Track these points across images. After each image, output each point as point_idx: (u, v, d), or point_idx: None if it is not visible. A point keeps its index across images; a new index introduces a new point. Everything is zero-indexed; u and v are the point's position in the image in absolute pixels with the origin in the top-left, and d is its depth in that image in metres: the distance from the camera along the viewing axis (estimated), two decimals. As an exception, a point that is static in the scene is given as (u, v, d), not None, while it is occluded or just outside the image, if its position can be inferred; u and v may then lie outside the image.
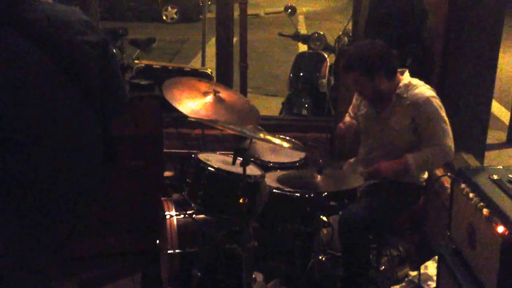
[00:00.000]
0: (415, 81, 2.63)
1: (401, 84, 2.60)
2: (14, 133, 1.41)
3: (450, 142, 2.51)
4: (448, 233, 2.08)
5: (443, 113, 2.54)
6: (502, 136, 5.41)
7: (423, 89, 2.57)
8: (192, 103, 2.68)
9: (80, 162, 1.58)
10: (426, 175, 2.74)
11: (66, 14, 1.56)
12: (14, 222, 1.45)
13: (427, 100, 2.52)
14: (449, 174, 2.63)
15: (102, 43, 1.62)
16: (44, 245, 1.55)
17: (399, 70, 2.62)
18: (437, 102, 2.54)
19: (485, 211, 1.75)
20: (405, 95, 2.57)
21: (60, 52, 1.50)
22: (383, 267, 2.79)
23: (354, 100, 2.86)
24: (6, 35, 1.42)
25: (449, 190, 2.12)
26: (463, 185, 1.94)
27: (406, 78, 2.63)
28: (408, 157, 2.52)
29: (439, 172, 2.90)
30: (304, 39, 5.09)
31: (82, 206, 1.63)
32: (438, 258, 2.15)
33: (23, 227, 1.47)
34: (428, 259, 2.65)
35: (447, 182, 2.79)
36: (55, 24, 1.50)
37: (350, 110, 2.90)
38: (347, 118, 2.88)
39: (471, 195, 1.86)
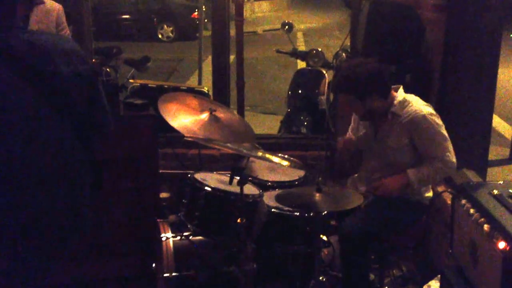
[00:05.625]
0: (410, 97, 2.67)
1: (395, 102, 2.63)
2: None
3: (451, 156, 2.55)
4: (450, 250, 2.10)
5: (442, 129, 2.58)
6: (506, 152, 5.44)
7: (420, 106, 2.61)
8: (187, 120, 2.72)
9: (65, 189, 1.59)
10: (430, 194, 2.77)
11: (53, 43, 1.55)
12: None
13: (424, 117, 2.56)
14: (449, 190, 2.66)
15: (91, 75, 1.62)
16: (33, 270, 1.57)
17: (393, 86, 2.66)
18: (434, 119, 2.57)
19: (486, 227, 1.77)
20: (400, 113, 2.61)
21: (43, 82, 1.49)
22: (386, 288, 2.80)
23: (352, 123, 2.91)
24: None
25: (450, 207, 2.15)
26: (463, 201, 1.97)
27: (400, 94, 2.66)
28: (409, 172, 2.56)
29: (440, 188, 2.93)
30: (302, 56, 5.14)
31: (71, 234, 1.65)
32: (441, 277, 2.17)
33: (10, 254, 1.49)
34: (431, 279, 2.65)
35: (448, 198, 2.82)
36: (39, 54, 1.50)
37: (349, 131, 2.94)
38: (348, 136, 2.92)
39: (471, 211, 1.89)
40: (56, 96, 1.53)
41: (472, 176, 3.03)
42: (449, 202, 2.77)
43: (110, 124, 1.79)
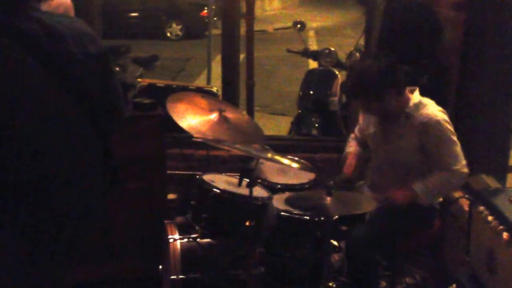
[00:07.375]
0: (426, 100, 2.65)
1: (411, 103, 2.62)
2: (5, 143, 1.40)
3: (461, 166, 2.52)
4: (467, 259, 2.08)
5: (455, 138, 2.55)
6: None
7: (434, 111, 2.59)
8: (196, 121, 2.72)
9: (80, 178, 1.58)
10: (440, 198, 2.75)
11: (64, 24, 1.55)
12: (10, 241, 1.46)
13: (438, 122, 2.54)
14: (467, 196, 2.63)
15: (102, 56, 1.62)
16: (42, 268, 1.56)
17: (408, 88, 2.65)
18: (448, 126, 2.55)
19: (505, 234, 1.75)
20: (415, 114, 2.59)
21: (55, 63, 1.49)
22: (398, 296, 2.78)
23: (360, 121, 2.90)
24: None
25: (467, 213, 2.13)
26: (481, 208, 1.95)
27: (416, 97, 2.65)
28: (415, 186, 2.55)
29: (456, 194, 2.90)
30: (314, 55, 5.14)
31: (84, 226, 1.63)
32: (456, 285, 2.15)
33: (19, 246, 1.48)
34: (446, 287, 2.63)
35: (465, 204, 2.79)
36: (51, 33, 1.50)
37: (356, 131, 2.93)
38: (352, 144, 2.91)
39: (490, 218, 1.87)
40: (68, 77, 1.52)
41: (491, 181, 2.99)
42: (466, 208, 2.74)
43: (123, 108, 1.76)
